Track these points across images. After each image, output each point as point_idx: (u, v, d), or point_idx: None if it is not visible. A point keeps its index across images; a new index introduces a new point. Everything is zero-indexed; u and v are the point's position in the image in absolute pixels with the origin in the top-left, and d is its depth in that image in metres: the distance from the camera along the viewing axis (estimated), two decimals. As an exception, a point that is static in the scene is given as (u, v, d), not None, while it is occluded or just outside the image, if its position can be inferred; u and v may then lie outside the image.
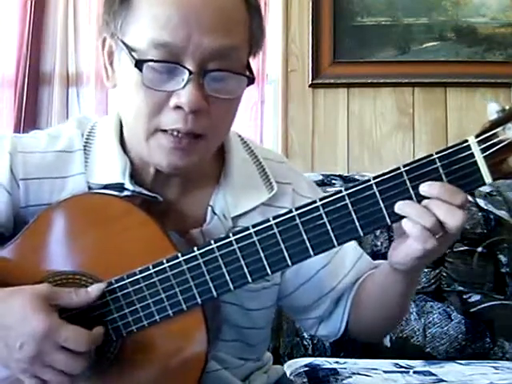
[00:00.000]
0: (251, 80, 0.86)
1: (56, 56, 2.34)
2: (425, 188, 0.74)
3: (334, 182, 1.94)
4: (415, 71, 2.34)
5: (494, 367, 1.62)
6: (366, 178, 0.76)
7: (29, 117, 2.31)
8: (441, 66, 2.35)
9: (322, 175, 1.95)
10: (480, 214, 1.85)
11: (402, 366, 1.61)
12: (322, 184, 1.88)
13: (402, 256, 0.80)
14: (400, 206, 0.75)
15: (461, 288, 1.83)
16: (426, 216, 0.74)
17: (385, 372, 1.55)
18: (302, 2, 2.38)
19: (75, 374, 0.78)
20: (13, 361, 0.77)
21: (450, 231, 0.75)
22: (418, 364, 1.64)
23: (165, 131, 0.83)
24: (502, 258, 1.84)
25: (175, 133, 0.83)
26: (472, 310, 1.79)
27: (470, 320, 1.77)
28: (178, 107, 0.81)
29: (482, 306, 1.79)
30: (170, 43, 0.79)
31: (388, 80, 2.35)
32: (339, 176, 1.97)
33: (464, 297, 1.82)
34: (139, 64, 0.80)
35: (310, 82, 2.35)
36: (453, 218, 0.74)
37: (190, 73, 0.80)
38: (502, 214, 1.87)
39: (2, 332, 0.77)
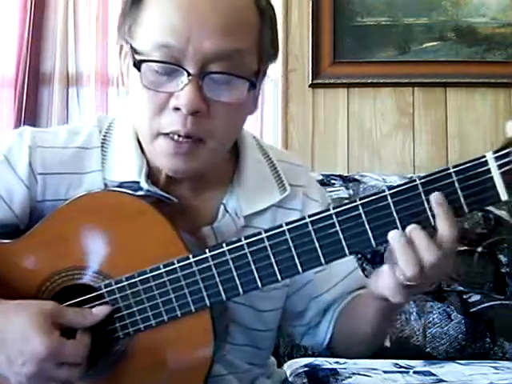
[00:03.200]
0: (252, 85, 0.85)
1: (56, 56, 2.33)
2: (435, 197, 0.73)
3: (333, 182, 1.94)
4: (415, 71, 2.34)
5: (494, 367, 1.62)
6: (381, 189, 0.76)
7: (29, 117, 2.30)
8: (441, 65, 2.34)
9: (322, 175, 1.95)
10: (480, 213, 1.85)
11: (402, 366, 1.61)
12: (321, 184, 1.87)
13: (379, 289, 0.80)
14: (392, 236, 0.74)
15: (461, 288, 1.83)
16: (410, 264, 0.73)
17: (385, 372, 1.55)
18: (302, 2, 2.38)
19: (74, 381, 0.80)
20: (13, 374, 0.78)
21: (427, 270, 0.74)
22: (418, 364, 1.64)
23: (165, 135, 0.84)
24: (502, 258, 1.84)
25: (175, 137, 0.83)
26: (472, 310, 1.79)
27: (470, 320, 1.77)
28: (176, 109, 0.82)
29: (482, 306, 1.79)
30: (171, 45, 0.80)
31: (388, 80, 2.34)
32: (339, 176, 1.97)
33: (464, 297, 1.82)
34: (138, 64, 0.81)
35: (310, 82, 2.35)
36: (431, 256, 0.73)
37: (189, 74, 0.80)
38: (502, 214, 1.87)
39: (5, 346, 0.77)
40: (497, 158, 0.72)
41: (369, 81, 2.34)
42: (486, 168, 0.72)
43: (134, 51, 0.83)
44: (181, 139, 0.83)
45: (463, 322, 1.77)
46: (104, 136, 0.95)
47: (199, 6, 0.80)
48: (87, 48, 2.35)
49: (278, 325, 1.04)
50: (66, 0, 2.34)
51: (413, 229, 0.74)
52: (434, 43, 2.36)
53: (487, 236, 1.85)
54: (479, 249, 1.84)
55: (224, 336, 0.89)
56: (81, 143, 0.93)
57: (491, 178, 0.72)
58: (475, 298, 1.81)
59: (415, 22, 2.35)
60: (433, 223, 0.74)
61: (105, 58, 2.35)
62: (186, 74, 0.80)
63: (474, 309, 1.79)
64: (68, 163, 0.92)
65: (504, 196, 0.73)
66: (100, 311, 0.82)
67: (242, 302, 0.92)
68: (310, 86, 2.36)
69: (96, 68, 2.32)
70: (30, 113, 2.31)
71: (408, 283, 0.75)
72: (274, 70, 2.36)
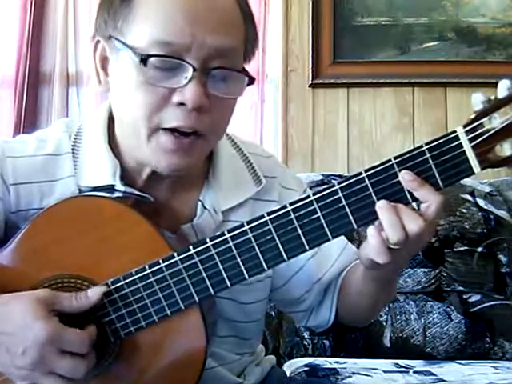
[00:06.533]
0: (251, 80, 0.86)
1: (56, 56, 2.34)
2: (404, 177, 0.75)
3: (333, 182, 1.94)
4: (415, 71, 2.34)
5: (493, 367, 1.62)
6: (358, 171, 0.77)
7: (29, 117, 2.31)
8: (441, 66, 2.35)
9: (322, 175, 1.95)
10: (480, 213, 1.85)
11: (402, 366, 1.61)
12: (322, 184, 1.88)
13: (363, 250, 0.82)
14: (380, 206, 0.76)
15: (461, 288, 1.83)
16: (397, 228, 0.75)
17: (385, 372, 1.55)
18: (302, 2, 2.38)
19: (78, 378, 0.77)
20: (14, 367, 0.76)
21: (411, 238, 0.76)
22: (417, 364, 1.64)
23: (166, 130, 0.83)
24: (502, 258, 1.84)
25: (176, 134, 0.83)
26: (472, 309, 1.79)
27: (469, 320, 1.77)
28: (180, 104, 0.81)
29: (482, 305, 1.79)
30: (173, 42, 0.80)
31: (388, 80, 2.35)
32: (339, 176, 1.97)
33: (464, 297, 1.82)
34: (144, 60, 0.80)
35: (310, 82, 2.35)
36: (413, 224, 0.75)
37: (194, 69, 0.80)
38: (502, 213, 1.87)
39: (3, 338, 0.76)
40: (467, 132, 0.74)
41: (369, 81, 2.35)
42: (457, 143, 0.74)
43: (132, 48, 0.82)
44: (182, 135, 0.83)
45: (463, 321, 1.77)
46: (74, 141, 0.94)
47: (199, 4, 0.81)
48: (87, 48, 2.35)
49: (263, 315, 1.05)
50: (66, 0, 2.35)
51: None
52: (434, 43, 2.36)
53: (487, 236, 1.85)
54: (479, 249, 1.84)
55: (213, 329, 0.90)
56: (50, 150, 0.92)
57: (463, 152, 0.74)
58: (475, 297, 1.81)
59: (415, 21, 2.35)
60: (410, 200, 0.76)
61: (105, 58, 2.34)
62: (191, 69, 0.80)
63: (474, 309, 1.79)
64: (39, 171, 0.91)
65: (477, 168, 0.74)
66: (94, 293, 0.81)
67: (224, 296, 0.92)
68: (310, 86, 2.36)
69: (96, 68, 2.32)
70: (30, 113, 2.31)
71: (392, 247, 0.76)
72: (274, 70, 2.37)
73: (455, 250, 1.83)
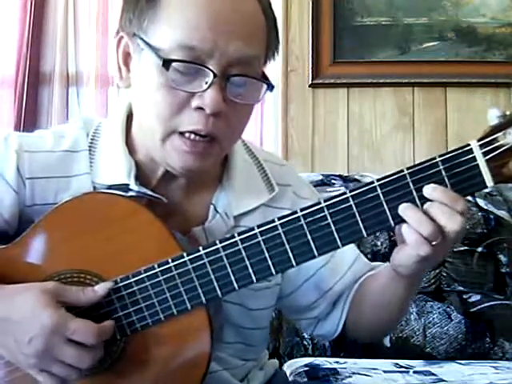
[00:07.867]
0: (270, 87, 0.87)
1: (56, 56, 2.34)
2: (428, 190, 0.75)
3: (333, 182, 1.94)
4: (415, 71, 2.34)
5: (493, 367, 1.62)
6: (370, 180, 0.77)
7: (29, 117, 2.31)
8: (441, 66, 2.35)
9: (322, 175, 1.95)
10: (480, 214, 1.85)
11: (402, 366, 1.61)
12: (322, 184, 1.88)
13: (402, 260, 0.81)
14: (402, 209, 0.76)
15: (461, 288, 1.83)
16: (425, 223, 0.75)
17: (385, 372, 1.55)
18: (302, 2, 2.38)
19: (84, 368, 0.79)
20: (22, 355, 0.78)
21: (449, 236, 0.76)
22: (418, 364, 1.64)
23: (181, 134, 0.84)
24: (502, 258, 1.84)
25: (192, 136, 0.84)
26: (472, 309, 1.79)
27: (469, 320, 1.77)
28: (199, 108, 0.82)
29: (482, 305, 1.79)
30: (196, 46, 0.81)
31: (388, 80, 2.35)
32: (339, 176, 1.97)
33: (464, 297, 1.82)
34: (166, 63, 0.81)
35: (310, 82, 2.35)
36: (453, 223, 0.75)
37: (215, 75, 0.81)
38: (502, 213, 1.87)
39: (11, 327, 0.78)
40: (481, 146, 0.74)
41: (369, 81, 2.35)
42: (471, 156, 0.74)
43: (154, 49, 0.83)
44: (197, 138, 0.84)
45: (463, 321, 1.77)
46: (92, 139, 0.95)
47: (223, 11, 0.82)
48: (87, 48, 2.35)
49: (269, 322, 1.05)
50: (66, 0, 2.35)
51: (429, 205, 0.75)
52: (434, 43, 2.36)
53: (487, 236, 1.85)
54: (479, 249, 1.84)
55: (219, 333, 0.90)
56: (67, 146, 0.93)
57: (477, 165, 0.74)
58: (475, 297, 1.81)
59: (415, 21, 2.36)
60: None
61: (105, 58, 2.35)
62: (211, 74, 0.81)
63: (474, 309, 1.79)
64: (55, 167, 0.92)
65: (490, 182, 0.75)
66: (101, 288, 0.82)
67: (232, 301, 0.93)
68: (310, 86, 2.36)
69: (96, 68, 2.33)
70: (29, 113, 2.31)
71: (422, 255, 0.76)
72: (274, 70, 2.36)
73: (455, 249, 1.83)
